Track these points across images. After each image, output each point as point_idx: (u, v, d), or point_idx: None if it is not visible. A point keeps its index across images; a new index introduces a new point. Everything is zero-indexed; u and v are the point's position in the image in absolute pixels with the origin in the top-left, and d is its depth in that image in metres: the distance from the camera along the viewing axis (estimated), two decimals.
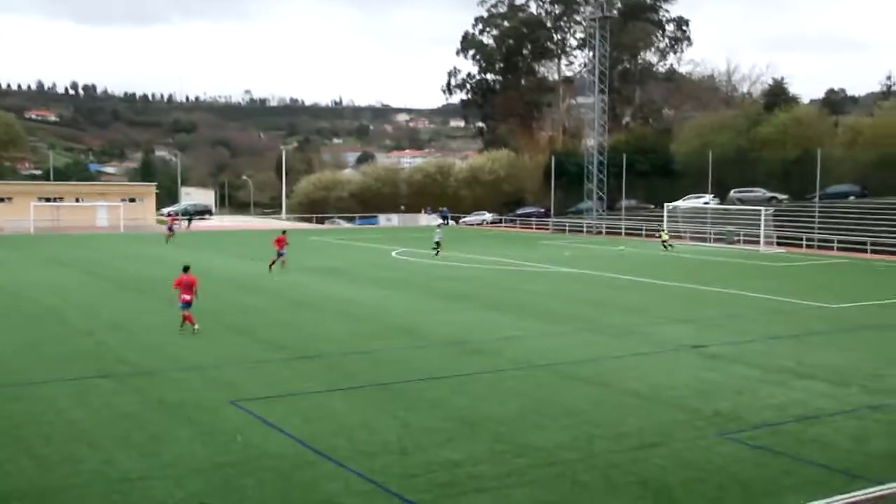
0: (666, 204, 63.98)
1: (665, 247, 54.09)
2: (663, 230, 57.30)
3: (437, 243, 46.62)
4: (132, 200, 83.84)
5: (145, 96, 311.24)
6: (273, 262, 38.02)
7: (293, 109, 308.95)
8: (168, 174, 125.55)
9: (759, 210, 56.32)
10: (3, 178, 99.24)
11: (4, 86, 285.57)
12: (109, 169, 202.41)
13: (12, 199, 78.70)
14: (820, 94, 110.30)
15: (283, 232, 40.34)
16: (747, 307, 28.95)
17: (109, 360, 18.86)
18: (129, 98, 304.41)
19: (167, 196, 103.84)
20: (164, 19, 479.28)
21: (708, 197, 69.07)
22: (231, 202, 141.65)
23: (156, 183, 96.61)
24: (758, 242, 54.93)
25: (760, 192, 67.92)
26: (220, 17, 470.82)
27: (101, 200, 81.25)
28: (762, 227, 54.89)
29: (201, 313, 25.78)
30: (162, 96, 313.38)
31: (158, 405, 15.11)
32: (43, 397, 15.55)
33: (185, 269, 22.41)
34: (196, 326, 21.77)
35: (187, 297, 21.70)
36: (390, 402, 15.52)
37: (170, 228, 59.44)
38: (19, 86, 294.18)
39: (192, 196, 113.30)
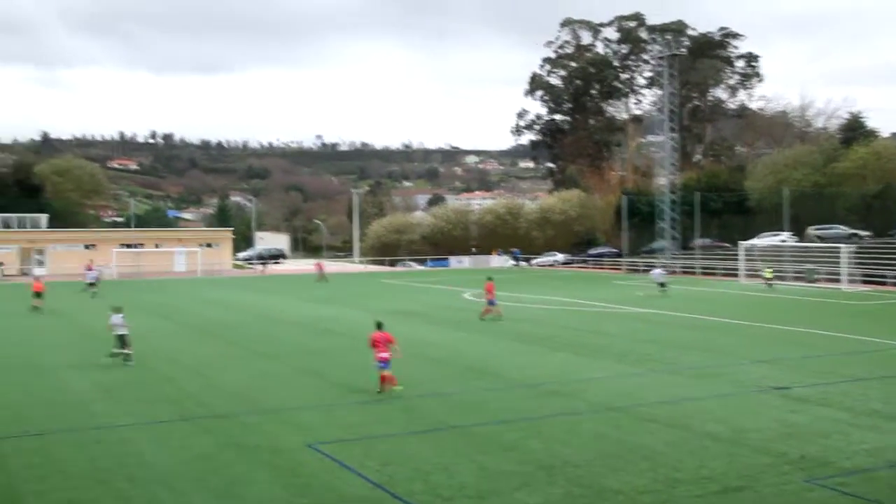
0: (741, 242, 62.79)
1: (769, 285, 53.00)
2: (768, 268, 55.77)
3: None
4: (209, 246, 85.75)
5: (220, 143, 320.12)
6: (486, 312, 35.56)
7: (364, 153, 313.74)
8: (243, 219, 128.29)
9: (840, 247, 54.84)
10: (87, 226, 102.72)
11: (90, 137, 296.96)
12: (187, 215, 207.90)
13: (96, 246, 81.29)
14: None
15: (490, 278, 37.50)
16: (830, 347, 28.07)
17: (189, 405, 19.16)
18: (205, 146, 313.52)
19: (242, 241, 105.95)
20: (231, 68, 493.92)
21: (785, 234, 67.59)
22: (304, 246, 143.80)
23: (231, 228, 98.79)
24: (839, 280, 53.40)
25: (840, 229, 66.17)
26: (286, 65, 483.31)
27: (179, 246, 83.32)
28: (843, 265, 53.38)
29: (277, 356, 26.11)
30: (236, 143, 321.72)
31: (236, 448, 15.26)
32: (125, 440, 15.84)
33: (379, 325, 20.53)
34: (398, 387, 19.92)
35: (384, 355, 19.81)
36: (467, 445, 15.40)
37: (321, 272, 64.07)
38: (103, 136, 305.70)
39: (266, 240, 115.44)
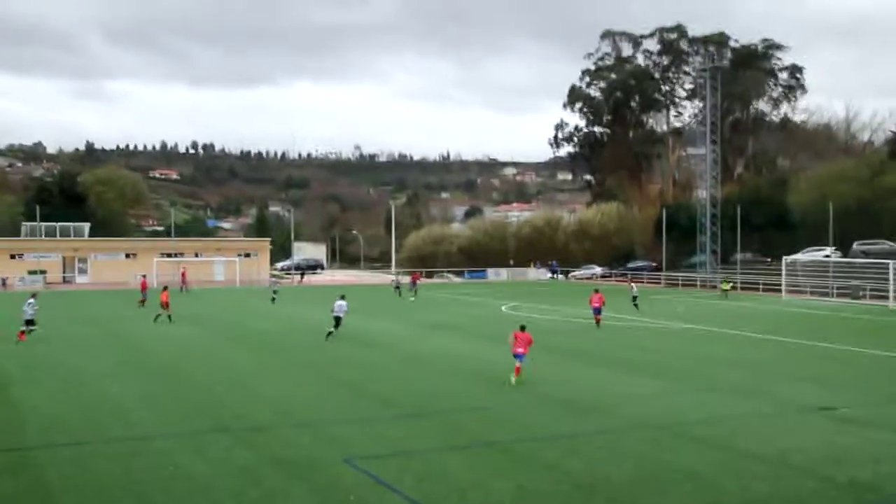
0: (784, 257, 61.87)
1: (725, 295, 56.31)
2: (724, 281, 59.45)
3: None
4: (247, 255, 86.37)
5: (259, 154, 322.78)
6: (598, 321, 38.01)
7: (402, 164, 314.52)
8: (281, 229, 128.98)
9: (888, 263, 53.73)
10: (128, 235, 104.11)
11: (132, 147, 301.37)
12: (226, 224, 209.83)
13: (137, 255, 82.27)
14: None
15: (596, 290, 39.71)
16: (877, 367, 27.43)
17: (226, 416, 19.14)
18: (245, 156, 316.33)
19: (280, 251, 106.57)
20: (271, 80, 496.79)
21: (829, 250, 66.48)
22: (342, 257, 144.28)
23: (270, 238, 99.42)
24: (886, 297, 52.32)
25: (887, 245, 64.93)
26: (326, 77, 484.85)
27: (218, 255, 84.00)
28: (892, 282, 52.29)
29: (316, 368, 26.09)
30: (275, 154, 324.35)
31: (273, 462, 15.17)
32: (162, 451, 15.83)
33: (522, 328, 23.94)
34: (514, 379, 22.83)
35: (521, 350, 23.22)
36: (504, 462, 15.19)
37: (413, 283, 61.27)
38: (145, 146, 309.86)
39: (304, 251, 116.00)
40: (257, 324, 40.64)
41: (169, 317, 39.46)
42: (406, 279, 66.18)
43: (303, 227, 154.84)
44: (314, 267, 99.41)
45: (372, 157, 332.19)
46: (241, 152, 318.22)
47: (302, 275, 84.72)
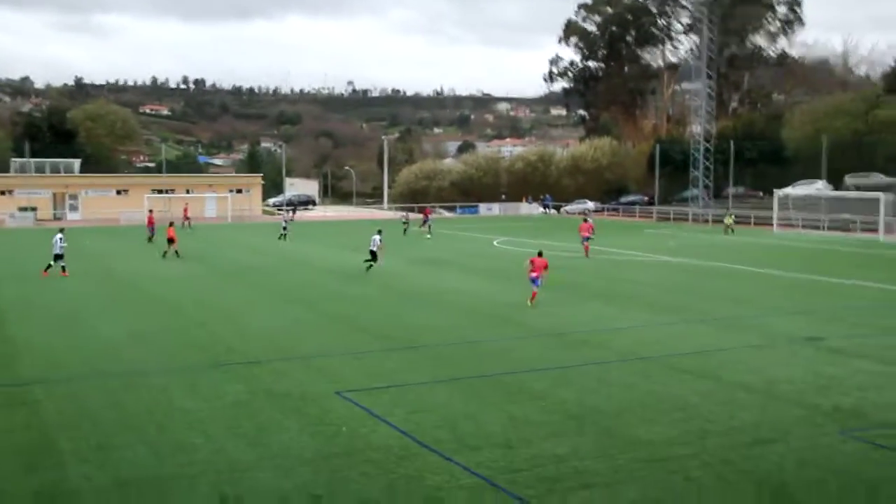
0: (776, 191, 61.84)
1: (728, 231, 55.47)
2: (729, 215, 58.35)
3: None
4: (239, 192, 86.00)
5: (251, 89, 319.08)
6: (587, 249, 40.30)
7: (395, 100, 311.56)
8: (273, 165, 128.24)
9: (879, 196, 53.79)
10: (119, 171, 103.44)
11: (122, 82, 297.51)
12: (217, 161, 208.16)
13: (128, 192, 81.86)
14: None
15: (585, 219, 42.64)
16: (866, 299, 27.66)
17: (220, 351, 19.26)
18: (237, 91, 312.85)
19: (272, 187, 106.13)
20: (264, 13, 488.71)
21: (821, 183, 66.47)
22: (334, 193, 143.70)
23: (262, 174, 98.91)
24: (877, 231, 52.50)
25: (879, 178, 64.90)
26: (320, 11, 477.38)
27: (210, 192, 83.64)
28: (882, 215, 52.40)
29: (308, 302, 26.19)
30: (268, 89, 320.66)
31: (266, 395, 15.32)
32: (156, 386, 15.95)
33: (539, 253, 26.18)
34: (531, 303, 24.85)
35: (536, 275, 25.16)
36: (494, 394, 15.36)
37: (426, 219, 59.53)
38: (135, 82, 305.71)
39: (297, 187, 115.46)
40: (249, 259, 40.65)
41: (176, 252, 39.64)
42: (414, 216, 65.58)
43: (295, 163, 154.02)
44: (306, 203, 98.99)
45: (365, 92, 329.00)
46: (233, 88, 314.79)
47: (294, 210, 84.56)
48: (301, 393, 15.44)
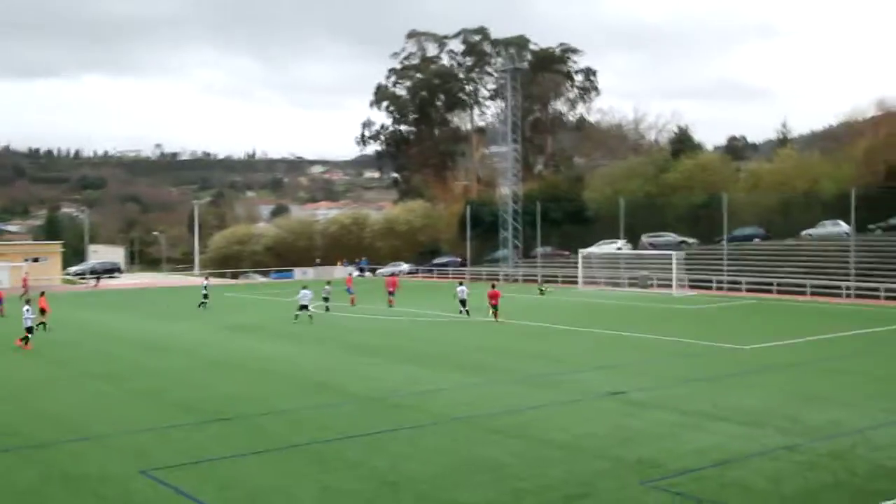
0: (580, 250, 64.84)
1: (541, 291, 57.09)
2: (542, 285, 59.94)
3: (326, 299, 45.41)
4: (35, 260, 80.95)
5: (50, 152, 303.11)
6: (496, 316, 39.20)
7: (206, 163, 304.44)
8: (75, 231, 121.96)
9: (671, 254, 57.50)
10: None
11: None
12: (12, 227, 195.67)
13: None
14: (722, 141, 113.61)
15: (493, 286, 42.51)
16: (663, 351, 29.31)
17: (5, 434, 17.84)
18: (34, 154, 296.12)
19: (74, 254, 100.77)
20: (57, 73, 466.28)
21: (620, 242, 70.24)
22: (142, 259, 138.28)
23: (61, 241, 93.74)
24: (671, 286, 55.98)
25: (671, 237, 69.42)
26: (119, 71, 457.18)
27: (2, 261, 78.25)
28: (674, 271, 55.99)
29: (111, 377, 24.80)
30: (68, 152, 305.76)
31: (62, 479, 14.31)
32: None
33: (493, 285, 34.40)
34: (497, 319, 34.61)
35: (494, 302, 37.86)
36: (308, 464, 15.05)
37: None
38: None
39: (101, 254, 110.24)
40: (48, 333, 38.12)
41: (43, 324, 36.94)
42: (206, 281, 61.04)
43: (99, 228, 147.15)
44: (111, 270, 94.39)
45: (174, 155, 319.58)
46: (30, 150, 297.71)
47: (97, 279, 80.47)
48: (100, 474, 14.53)
